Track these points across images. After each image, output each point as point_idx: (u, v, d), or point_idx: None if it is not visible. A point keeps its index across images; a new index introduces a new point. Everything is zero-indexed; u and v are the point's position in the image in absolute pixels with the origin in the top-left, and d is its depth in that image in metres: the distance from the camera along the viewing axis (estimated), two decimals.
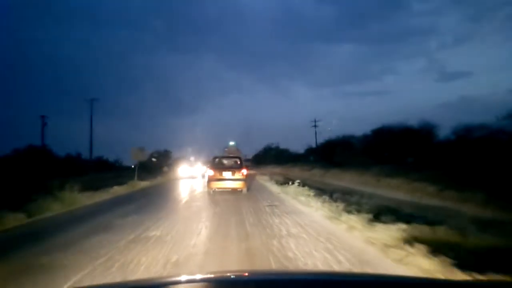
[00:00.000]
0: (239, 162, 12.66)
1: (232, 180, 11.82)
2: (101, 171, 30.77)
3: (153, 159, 37.50)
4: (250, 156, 60.83)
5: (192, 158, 32.87)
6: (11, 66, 67.50)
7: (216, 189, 12.08)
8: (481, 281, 2.24)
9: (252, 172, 31.16)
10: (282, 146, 61.39)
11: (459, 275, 3.03)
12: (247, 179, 12.65)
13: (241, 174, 11.87)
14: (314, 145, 47.92)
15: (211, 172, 12.09)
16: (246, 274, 2.08)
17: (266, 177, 21.22)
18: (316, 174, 26.74)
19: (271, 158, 53.85)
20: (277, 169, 37.80)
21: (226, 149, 36.41)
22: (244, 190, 12.09)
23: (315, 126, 49.63)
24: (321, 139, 45.96)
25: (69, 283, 3.44)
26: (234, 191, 12.27)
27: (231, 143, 40.77)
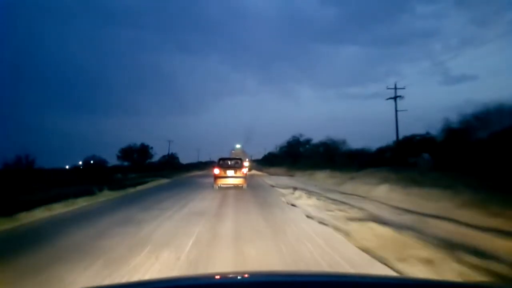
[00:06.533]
0: (240, 163, 14.99)
1: (234, 177, 14.20)
2: None
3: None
4: (254, 158, 61.40)
5: None
6: None
7: (221, 185, 14.35)
8: (481, 282, 2.14)
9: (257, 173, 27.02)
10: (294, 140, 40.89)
11: None
12: (247, 177, 14.98)
13: (241, 173, 14.29)
14: (385, 131, 28.38)
15: (217, 171, 14.37)
16: (246, 275, 2.07)
17: None
18: None
19: (302, 158, 33.67)
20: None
21: (232, 151, 37.15)
22: (244, 186, 14.42)
23: (395, 97, 24.77)
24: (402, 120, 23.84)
25: None
26: (236, 186, 14.45)
27: (237, 145, 41.51)
